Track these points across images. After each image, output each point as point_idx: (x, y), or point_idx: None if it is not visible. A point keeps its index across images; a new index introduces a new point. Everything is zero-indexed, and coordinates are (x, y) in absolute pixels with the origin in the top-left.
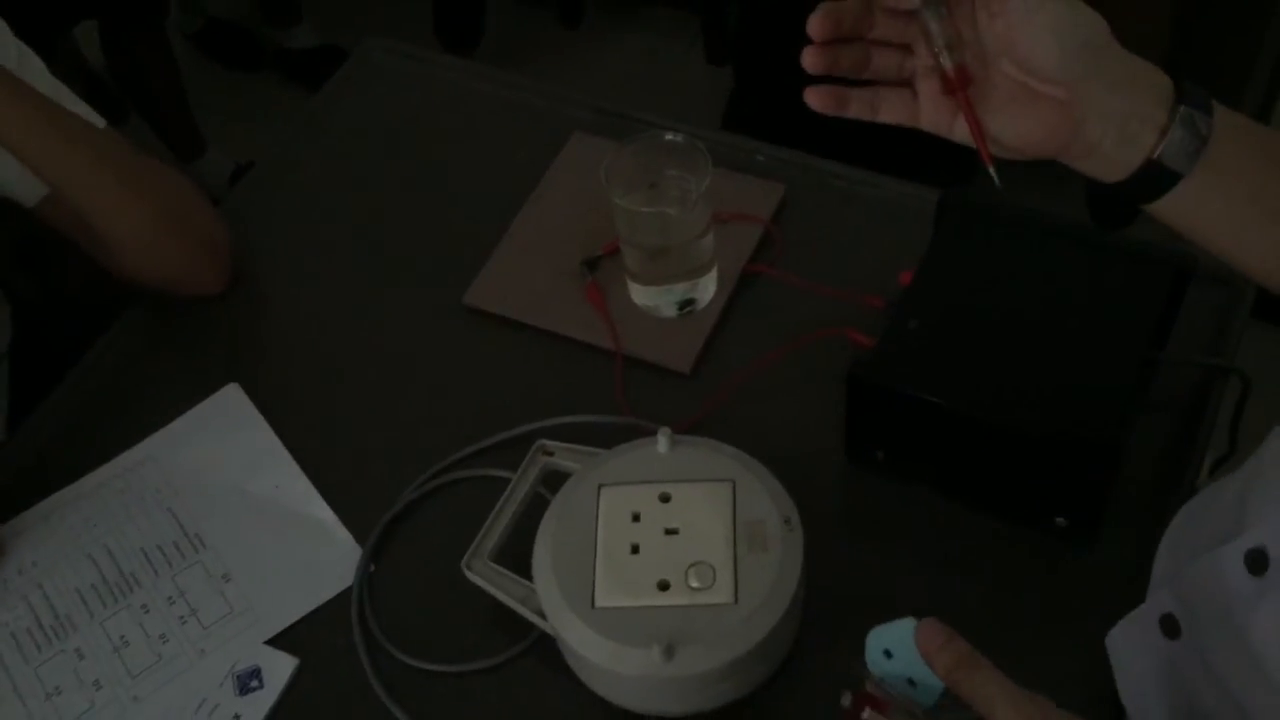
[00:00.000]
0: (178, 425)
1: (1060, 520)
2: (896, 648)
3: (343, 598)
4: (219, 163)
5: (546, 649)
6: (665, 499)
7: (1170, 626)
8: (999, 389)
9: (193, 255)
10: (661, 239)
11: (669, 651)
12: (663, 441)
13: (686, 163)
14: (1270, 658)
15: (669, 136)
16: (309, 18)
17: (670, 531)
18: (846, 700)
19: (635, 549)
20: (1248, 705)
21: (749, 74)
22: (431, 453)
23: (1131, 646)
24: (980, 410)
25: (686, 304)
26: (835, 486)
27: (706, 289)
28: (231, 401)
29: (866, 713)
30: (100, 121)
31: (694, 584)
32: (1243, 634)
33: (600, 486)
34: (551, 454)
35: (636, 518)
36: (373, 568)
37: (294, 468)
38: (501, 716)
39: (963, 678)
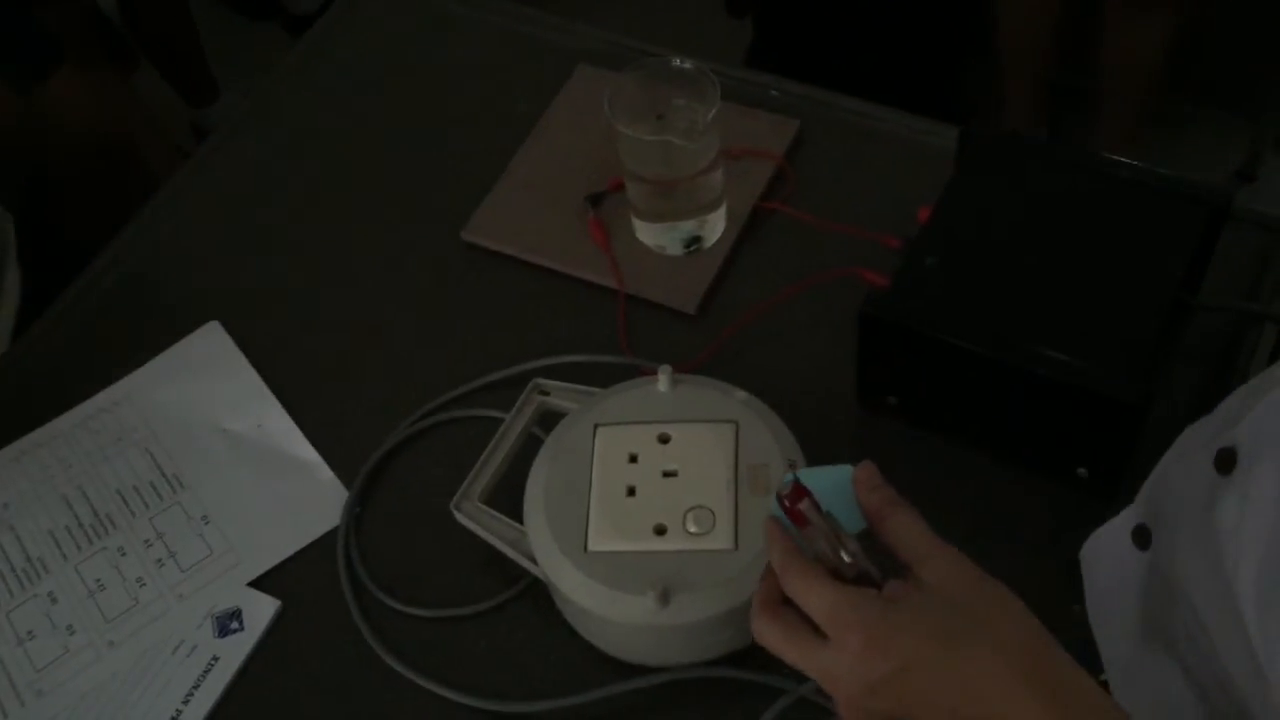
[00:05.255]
0: (156, 364)
1: (1081, 471)
2: (822, 493)
3: (328, 540)
4: (234, 108)
5: (538, 595)
6: (664, 440)
7: (1141, 537)
8: (1020, 331)
9: None
10: (668, 171)
11: (664, 597)
12: (663, 380)
13: (694, 91)
14: (1229, 554)
15: (676, 63)
16: None
17: (668, 474)
18: (785, 488)
19: (631, 491)
20: (1205, 617)
21: (769, 24)
22: (423, 393)
23: (1103, 558)
24: (999, 353)
25: (693, 242)
26: (846, 433)
27: (715, 227)
28: (211, 339)
29: (805, 503)
30: None
31: (692, 528)
32: (1205, 535)
33: (597, 426)
34: (547, 393)
35: (634, 459)
36: (359, 509)
37: (277, 407)
38: (490, 663)
39: (888, 515)
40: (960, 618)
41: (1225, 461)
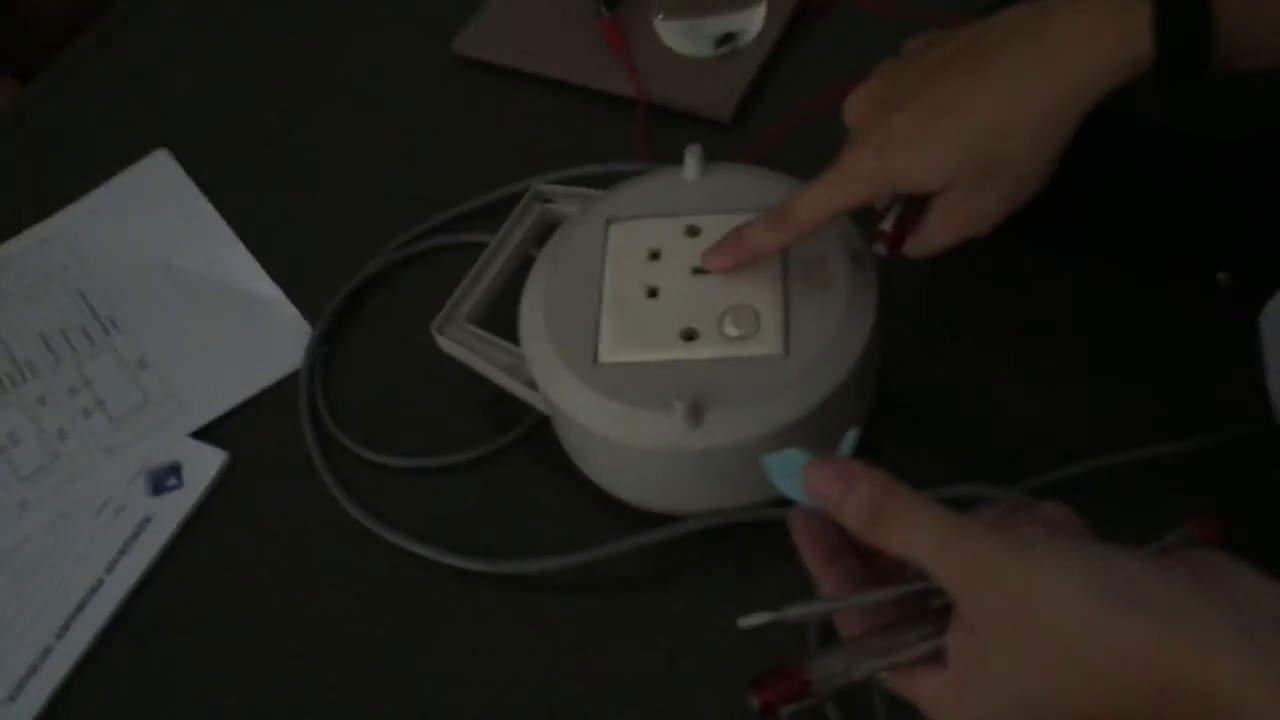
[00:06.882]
0: (94, 198)
1: (1222, 275)
2: (788, 481)
3: (289, 385)
4: None
5: (540, 439)
6: (694, 232)
7: None
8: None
9: None
10: None
11: (696, 413)
12: (690, 164)
13: None
14: None
15: None
16: None
17: (699, 270)
18: (754, 702)
19: (653, 293)
20: None
21: None
22: (406, 221)
23: None
24: (1124, 110)
25: (726, 39)
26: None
27: (752, 20)
28: (158, 169)
29: (786, 710)
30: None
31: (731, 331)
32: None
33: (609, 221)
34: (551, 200)
35: (655, 255)
36: (327, 350)
37: (233, 240)
38: (481, 519)
39: (883, 536)
40: (1030, 674)
41: None
